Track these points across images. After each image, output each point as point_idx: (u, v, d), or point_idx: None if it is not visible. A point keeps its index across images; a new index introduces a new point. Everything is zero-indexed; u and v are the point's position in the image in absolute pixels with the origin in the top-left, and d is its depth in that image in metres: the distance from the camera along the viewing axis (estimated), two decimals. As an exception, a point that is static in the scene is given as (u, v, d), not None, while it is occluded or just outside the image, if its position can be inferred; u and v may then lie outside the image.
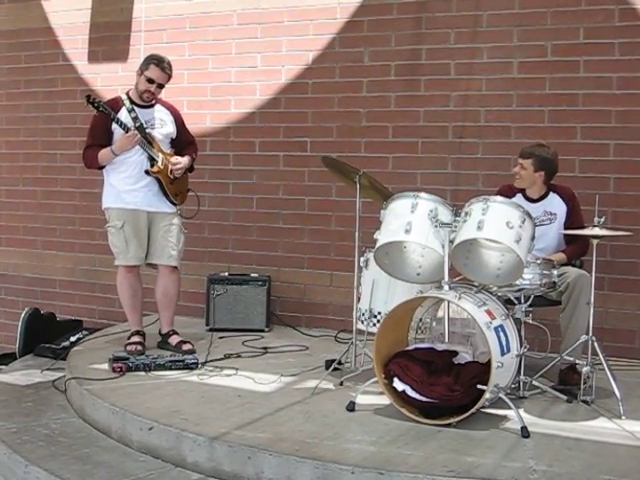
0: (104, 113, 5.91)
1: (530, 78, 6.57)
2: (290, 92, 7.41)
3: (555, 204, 5.64)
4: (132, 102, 6.12)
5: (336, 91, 7.24)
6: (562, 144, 6.33)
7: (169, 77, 6.14)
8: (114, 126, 5.99)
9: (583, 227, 5.41)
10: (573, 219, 5.60)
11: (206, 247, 7.56)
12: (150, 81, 6.05)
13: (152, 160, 6.07)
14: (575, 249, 5.56)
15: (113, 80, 7.95)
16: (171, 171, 6.13)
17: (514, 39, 6.61)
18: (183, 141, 6.37)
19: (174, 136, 6.31)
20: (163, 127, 6.22)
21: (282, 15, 7.39)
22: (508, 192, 5.65)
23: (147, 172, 6.06)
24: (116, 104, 6.10)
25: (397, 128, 7.03)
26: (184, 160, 6.24)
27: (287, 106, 7.43)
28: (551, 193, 5.68)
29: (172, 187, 6.18)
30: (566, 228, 5.55)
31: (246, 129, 7.56)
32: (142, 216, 6.14)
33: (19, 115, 8.62)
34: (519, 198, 5.62)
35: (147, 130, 6.10)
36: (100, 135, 6.05)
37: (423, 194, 4.87)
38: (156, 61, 6.06)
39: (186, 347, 6.12)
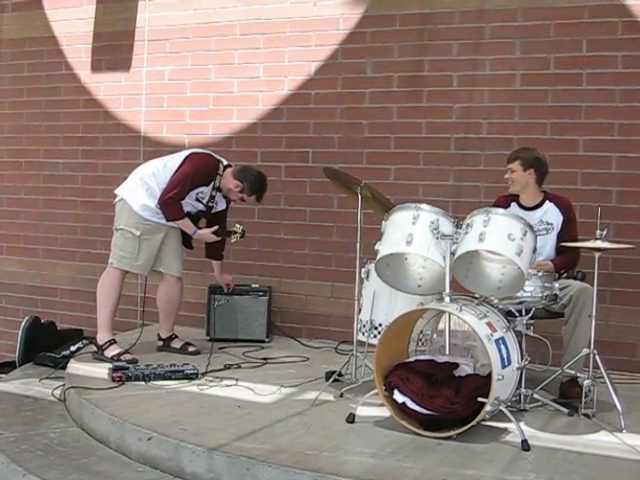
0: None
1: (532, 90, 6.57)
2: (292, 103, 7.41)
3: (552, 214, 5.62)
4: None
5: (338, 102, 7.24)
6: (564, 157, 6.35)
7: None
8: (200, 190, 6.20)
9: (576, 238, 5.46)
10: (567, 229, 5.59)
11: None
12: (242, 200, 6.32)
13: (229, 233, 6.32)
14: (565, 260, 5.53)
15: (116, 89, 7.98)
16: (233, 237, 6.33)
17: (517, 51, 6.61)
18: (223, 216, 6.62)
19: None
20: (218, 205, 6.44)
21: (285, 26, 7.40)
22: (503, 202, 5.66)
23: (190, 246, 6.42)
24: (212, 172, 6.27)
25: (399, 139, 7.03)
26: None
27: (289, 117, 7.43)
28: (547, 202, 5.66)
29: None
30: (559, 238, 5.54)
31: (248, 139, 7.56)
32: (160, 229, 6.24)
33: (21, 124, 8.63)
34: (514, 207, 5.62)
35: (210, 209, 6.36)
36: (189, 190, 6.16)
37: (425, 205, 4.86)
38: (260, 194, 6.31)
39: (192, 349, 6.25)
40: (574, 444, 4.46)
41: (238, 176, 6.25)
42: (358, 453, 4.26)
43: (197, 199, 6.23)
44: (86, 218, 8.21)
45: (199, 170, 6.17)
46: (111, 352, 6.11)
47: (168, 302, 6.43)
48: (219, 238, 6.28)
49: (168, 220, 6.17)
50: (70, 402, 5.45)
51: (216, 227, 6.25)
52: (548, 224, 5.58)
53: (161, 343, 6.51)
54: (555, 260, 5.53)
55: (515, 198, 5.71)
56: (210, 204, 6.30)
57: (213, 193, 6.26)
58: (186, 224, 6.18)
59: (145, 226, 6.16)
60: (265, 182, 6.36)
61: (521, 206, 5.66)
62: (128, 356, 6.05)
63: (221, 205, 6.46)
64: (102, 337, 6.21)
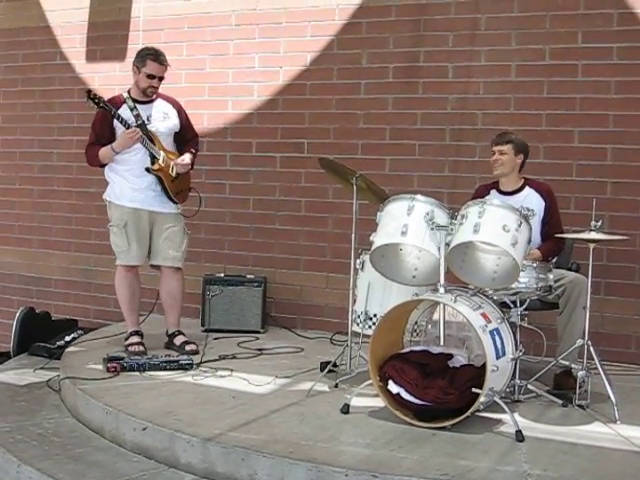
0: (104, 109, 5.92)
1: (528, 81, 6.57)
2: (288, 93, 7.40)
3: (533, 200, 5.61)
4: (134, 100, 6.10)
5: (334, 93, 7.24)
6: (559, 148, 6.35)
7: (167, 68, 6.13)
8: (116, 123, 5.99)
9: (560, 224, 5.52)
10: (551, 215, 5.59)
11: (202, 248, 7.54)
12: (150, 77, 6.05)
13: (153, 158, 6.05)
14: (551, 246, 5.53)
15: (111, 79, 7.94)
16: (172, 168, 6.12)
17: (512, 42, 6.60)
18: (187, 136, 6.38)
19: (178, 129, 6.29)
20: (166, 120, 6.21)
21: (280, 16, 7.39)
22: (483, 191, 5.70)
23: (148, 170, 6.05)
24: (116, 102, 6.08)
25: (394, 130, 7.02)
26: (188, 158, 6.25)
27: (284, 107, 7.42)
28: (527, 188, 5.66)
29: (173, 185, 6.17)
30: (543, 224, 5.55)
31: (243, 130, 7.56)
32: (144, 215, 6.15)
33: (16, 114, 8.61)
34: (494, 194, 5.63)
35: (149, 127, 6.09)
36: (102, 132, 6.05)
37: (420, 196, 4.86)
38: (152, 56, 6.05)
39: (189, 347, 6.15)
40: (568, 435, 4.47)
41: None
42: (353, 443, 4.26)
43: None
44: (81, 208, 8.20)
45: (97, 114, 6.08)
46: (126, 342, 6.15)
47: (168, 295, 6.32)
48: (134, 132, 5.92)
49: (98, 164, 6.11)
50: (65, 392, 5.45)
51: (133, 129, 5.95)
52: (529, 210, 5.53)
53: (167, 339, 6.37)
54: (542, 248, 5.51)
55: (495, 185, 5.72)
56: (139, 121, 6.04)
57: (135, 113, 6.05)
58: (104, 154, 6.03)
59: (128, 215, 6.10)
60: (148, 48, 6.17)
61: (501, 192, 5.66)
62: (136, 347, 6.05)
63: (169, 121, 6.22)
64: (128, 329, 6.27)
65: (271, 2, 7.42)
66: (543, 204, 5.61)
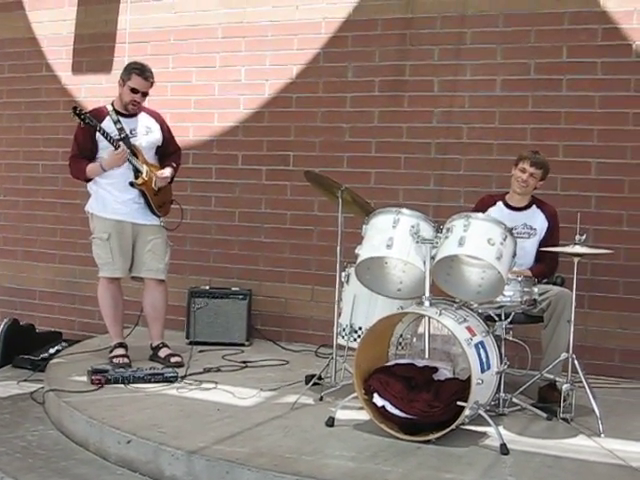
0: (90, 125, 5.89)
1: (513, 96, 6.60)
2: (273, 106, 7.41)
3: (538, 220, 5.65)
4: (117, 112, 6.09)
5: (319, 106, 7.25)
6: (544, 162, 6.37)
7: (152, 84, 6.13)
8: (99, 135, 5.95)
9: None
10: (551, 237, 5.62)
11: (187, 260, 7.53)
12: (134, 91, 6.04)
13: (137, 172, 6.04)
14: (542, 268, 5.56)
15: (97, 91, 7.92)
16: (155, 181, 6.10)
17: (497, 57, 6.64)
18: (169, 150, 6.37)
19: (160, 143, 6.28)
20: (149, 134, 6.20)
21: (266, 29, 7.41)
22: (489, 201, 5.72)
23: (132, 184, 6.04)
24: (100, 114, 6.07)
25: (380, 144, 7.04)
26: (168, 172, 6.23)
27: (270, 120, 7.43)
28: (534, 206, 5.70)
29: (156, 198, 6.17)
30: (540, 246, 5.57)
31: (229, 142, 7.56)
32: (127, 228, 6.13)
33: (1, 125, 8.58)
34: (500, 207, 5.66)
35: (132, 141, 6.07)
36: (85, 144, 6.04)
37: (405, 210, 4.87)
38: (138, 70, 6.05)
39: (174, 360, 6.13)
40: (552, 448, 4.48)
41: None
42: (337, 457, 4.26)
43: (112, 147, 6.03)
44: (65, 220, 8.18)
45: (79, 125, 6.02)
46: (111, 354, 6.13)
47: (151, 307, 6.31)
48: (124, 153, 5.92)
49: (83, 179, 6.10)
50: (49, 405, 5.43)
51: (123, 149, 5.94)
52: (532, 229, 5.60)
53: (151, 352, 6.35)
54: (534, 269, 5.54)
55: (502, 197, 5.75)
56: (123, 135, 6.03)
57: (118, 126, 6.05)
58: (92, 170, 6.02)
59: (112, 227, 6.09)
60: (135, 63, 6.15)
61: (508, 206, 5.69)
62: (121, 359, 6.03)
63: (151, 135, 6.22)
64: (112, 341, 6.25)
65: (257, 15, 7.43)
66: (546, 225, 5.65)
